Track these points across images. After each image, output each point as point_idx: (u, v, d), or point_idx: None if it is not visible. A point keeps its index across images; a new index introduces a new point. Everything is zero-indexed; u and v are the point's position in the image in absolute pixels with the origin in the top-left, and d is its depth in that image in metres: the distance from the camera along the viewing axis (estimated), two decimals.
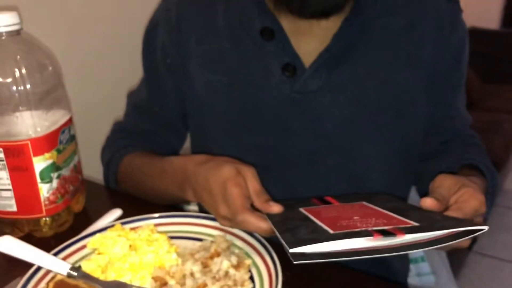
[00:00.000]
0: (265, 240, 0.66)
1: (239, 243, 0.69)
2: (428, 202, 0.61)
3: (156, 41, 0.88)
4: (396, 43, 0.80)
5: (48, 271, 0.63)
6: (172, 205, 0.84)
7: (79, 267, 0.64)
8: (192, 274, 0.62)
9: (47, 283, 0.61)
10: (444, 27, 0.81)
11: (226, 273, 0.61)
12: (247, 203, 0.63)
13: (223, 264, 0.62)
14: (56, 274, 0.62)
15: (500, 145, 2.65)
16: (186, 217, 0.75)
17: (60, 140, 0.75)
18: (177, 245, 0.68)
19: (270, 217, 0.62)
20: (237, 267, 0.62)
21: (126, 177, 0.88)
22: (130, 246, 0.66)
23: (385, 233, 0.53)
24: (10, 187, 0.73)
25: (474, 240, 0.53)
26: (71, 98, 0.80)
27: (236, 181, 0.63)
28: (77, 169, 0.82)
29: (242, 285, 0.60)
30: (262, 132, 0.82)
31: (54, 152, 0.74)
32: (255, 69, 0.81)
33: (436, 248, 0.53)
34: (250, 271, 0.63)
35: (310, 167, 0.82)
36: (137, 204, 0.85)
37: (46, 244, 0.72)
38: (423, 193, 0.87)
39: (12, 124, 0.71)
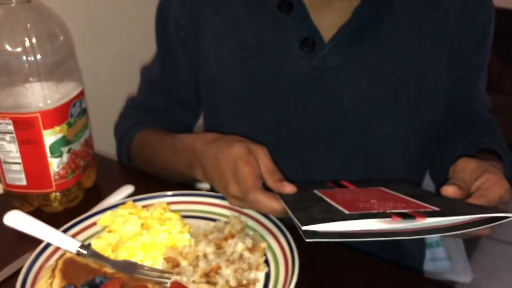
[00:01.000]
0: (280, 222, 0.64)
1: (253, 224, 0.67)
2: (450, 190, 0.58)
3: (169, 15, 0.86)
4: (419, 21, 0.77)
5: (58, 248, 0.62)
6: (184, 183, 0.82)
7: (89, 245, 0.63)
8: (205, 256, 0.60)
9: (56, 260, 0.59)
10: (469, 2, 0.78)
11: (241, 256, 0.59)
12: (259, 182, 0.61)
13: (237, 246, 0.60)
14: (65, 252, 0.61)
15: None
16: (200, 196, 0.73)
17: (71, 113, 0.73)
18: (190, 225, 0.66)
19: (283, 197, 0.59)
20: (252, 250, 0.60)
21: (138, 153, 0.87)
22: (142, 224, 0.64)
23: (404, 216, 0.51)
24: (19, 160, 0.71)
25: None
26: (83, 70, 0.78)
27: (248, 159, 0.61)
28: (88, 143, 0.80)
29: (257, 268, 0.58)
30: (277, 109, 0.80)
31: (64, 126, 0.72)
32: (272, 44, 0.78)
33: (455, 235, 0.51)
34: (265, 254, 0.61)
35: (326, 146, 0.80)
36: (150, 181, 0.83)
37: (56, 219, 0.71)
38: (436, 179, 0.85)
39: (21, 96, 0.69)
